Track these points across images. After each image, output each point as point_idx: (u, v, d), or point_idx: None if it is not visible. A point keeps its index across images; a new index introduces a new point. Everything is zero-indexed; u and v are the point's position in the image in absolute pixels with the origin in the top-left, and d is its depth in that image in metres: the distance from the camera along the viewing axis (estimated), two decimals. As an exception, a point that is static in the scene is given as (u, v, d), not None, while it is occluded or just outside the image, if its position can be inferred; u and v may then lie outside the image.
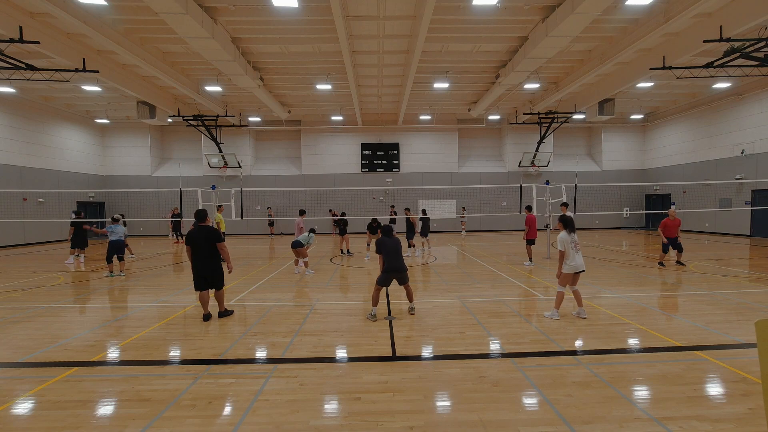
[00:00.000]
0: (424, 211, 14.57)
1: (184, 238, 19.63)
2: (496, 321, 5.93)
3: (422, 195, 24.29)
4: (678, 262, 10.74)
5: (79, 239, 12.56)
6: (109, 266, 10.17)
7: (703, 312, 6.29)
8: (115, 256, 10.24)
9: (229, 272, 6.57)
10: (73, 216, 13.15)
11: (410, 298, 6.45)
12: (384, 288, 6.30)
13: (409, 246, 13.92)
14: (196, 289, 6.19)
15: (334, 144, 24.87)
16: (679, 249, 10.57)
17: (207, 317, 6.15)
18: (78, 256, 12.80)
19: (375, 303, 6.14)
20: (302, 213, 12.24)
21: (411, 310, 6.38)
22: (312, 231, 10.83)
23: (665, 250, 10.58)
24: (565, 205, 11.49)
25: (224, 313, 6.37)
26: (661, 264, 10.67)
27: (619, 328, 5.53)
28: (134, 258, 13.85)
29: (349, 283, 9.28)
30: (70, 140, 21.80)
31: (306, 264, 10.41)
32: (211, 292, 6.35)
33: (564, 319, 5.97)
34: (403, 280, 6.25)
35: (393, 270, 6.12)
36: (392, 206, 16.70)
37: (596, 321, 5.85)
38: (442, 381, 3.97)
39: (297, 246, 10.13)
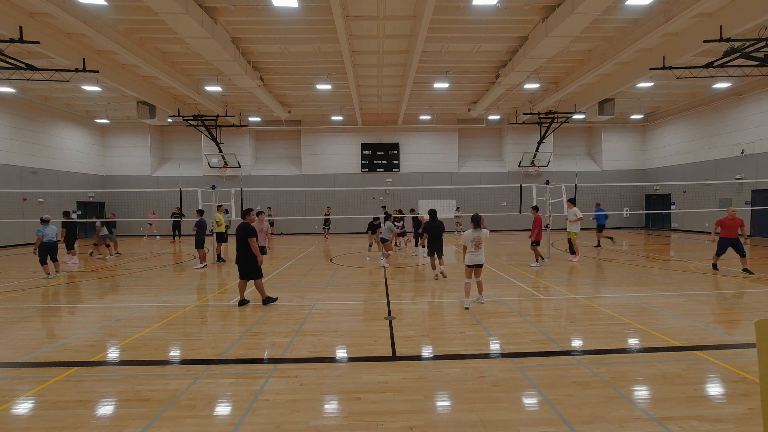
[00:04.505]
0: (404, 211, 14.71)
1: (180, 237, 19.80)
2: (496, 321, 5.94)
3: (422, 195, 24.27)
4: (745, 269, 9.33)
5: (71, 240, 12.56)
6: (44, 268, 9.90)
7: (703, 312, 6.29)
8: (48, 256, 10.02)
9: (259, 264, 7.03)
10: (64, 217, 13.13)
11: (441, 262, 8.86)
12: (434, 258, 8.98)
13: (417, 245, 13.87)
14: (240, 278, 7.05)
15: (334, 144, 24.86)
16: (741, 253, 9.27)
17: (242, 303, 7.02)
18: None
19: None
20: (260, 214, 10.28)
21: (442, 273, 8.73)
22: (387, 219, 11.81)
23: (719, 252, 9.56)
24: (571, 201, 11.48)
25: (267, 300, 7.05)
26: (714, 267, 9.79)
27: (619, 328, 5.53)
28: (113, 257, 13.87)
29: (350, 283, 9.27)
30: (70, 140, 21.79)
31: (387, 256, 11.14)
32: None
33: (564, 319, 5.98)
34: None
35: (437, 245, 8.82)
36: (383, 206, 16.63)
37: (596, 321, 5.85)
38: (442, 381, 3.97)
39: (384, 241, 11.23)
